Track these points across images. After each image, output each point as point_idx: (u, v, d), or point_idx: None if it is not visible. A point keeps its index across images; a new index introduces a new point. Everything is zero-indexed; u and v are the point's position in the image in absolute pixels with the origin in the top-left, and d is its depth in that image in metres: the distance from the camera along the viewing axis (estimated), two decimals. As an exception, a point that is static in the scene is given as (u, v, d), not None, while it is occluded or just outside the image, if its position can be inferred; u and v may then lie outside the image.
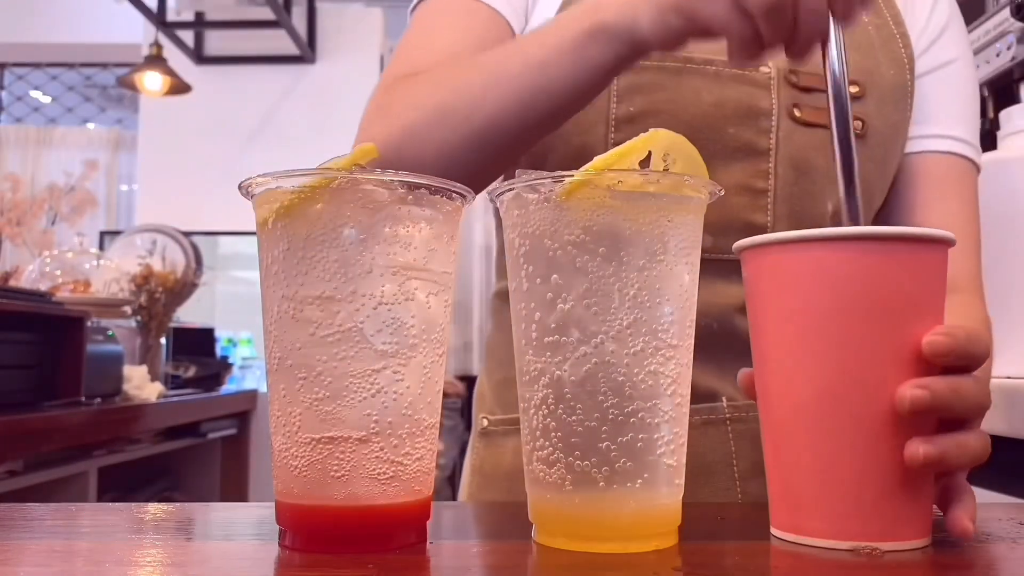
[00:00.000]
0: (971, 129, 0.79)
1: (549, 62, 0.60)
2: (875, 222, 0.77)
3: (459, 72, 0.66)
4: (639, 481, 0.41)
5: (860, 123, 0.73)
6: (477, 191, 0.68)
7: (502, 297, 0.81)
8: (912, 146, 0.78)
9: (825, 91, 0.72)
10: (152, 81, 3.54)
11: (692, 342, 0.44)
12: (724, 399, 0.71)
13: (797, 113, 0.71)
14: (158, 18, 3.78)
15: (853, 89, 0.73)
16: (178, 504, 0.55)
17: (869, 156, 0.74)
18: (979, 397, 0.42)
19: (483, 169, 0.65)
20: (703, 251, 0.47)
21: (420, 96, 0.66)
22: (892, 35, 0.76)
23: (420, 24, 0.75)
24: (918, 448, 0.40)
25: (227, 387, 3.13)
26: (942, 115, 0.78)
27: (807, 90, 0.72)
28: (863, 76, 0.74)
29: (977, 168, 0.79)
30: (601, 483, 0.41)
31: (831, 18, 0.53)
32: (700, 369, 0.71)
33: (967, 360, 0.41)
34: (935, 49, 0.79)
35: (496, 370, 0.80)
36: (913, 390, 0.40)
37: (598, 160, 0.44)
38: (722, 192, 0.44)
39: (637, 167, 0.44)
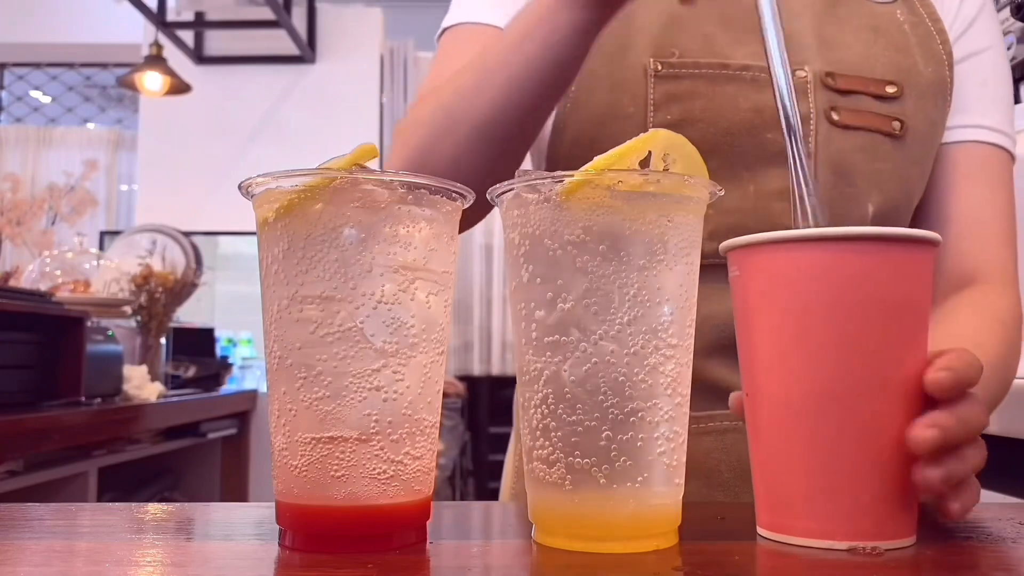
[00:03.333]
0: (1003, 117, 0.78)
1: (527, 35, 0.62)
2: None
3: (455, 79, 0.68)
4: (639, 480, 0.41)
5: (898, 123, 0.72)
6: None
7: None
8: (944, 137, 0.77)
9: (863, 93, 0.71)
10: (152, 81, 3.53)
11: (692, 342, 0.44)
12: None
13: (835, 116, 0.71)
14: (158, 18, 3.78)
15: (890, 90, 0.72)
16: (178, 504, 0.55)
17: (908, 156, 0.73)
18: (980, 418, 0.42)
19: (495, 169, 0.66)
20: None
21: (425, 112, 0.68)
22: (929, 32, 0.76)
23: (441, 54, 0.78)
24: (929, 474, 0.40)
25: (227, 387, 3.13)
26: (973, 104, 0.77)
27: (845, 92, 0.72)
28: (900, 76, 0.73)
29: (1011, 155, 0.78)
30: (601, 482, 0.41)
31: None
32: (739, 376, 0.72)
33: (968, 387, 0.42)
34: (966, 38, 0.78)
35: None
36: (926, 431, 0.40)
37: (598, 160, 0.44)
38: (722, 192, 0.44)
39: (637, 167, 0.44)
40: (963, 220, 0.76)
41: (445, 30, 0.79)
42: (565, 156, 0.73)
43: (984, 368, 0.43)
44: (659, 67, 0.70)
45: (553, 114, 0.73)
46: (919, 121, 0.74)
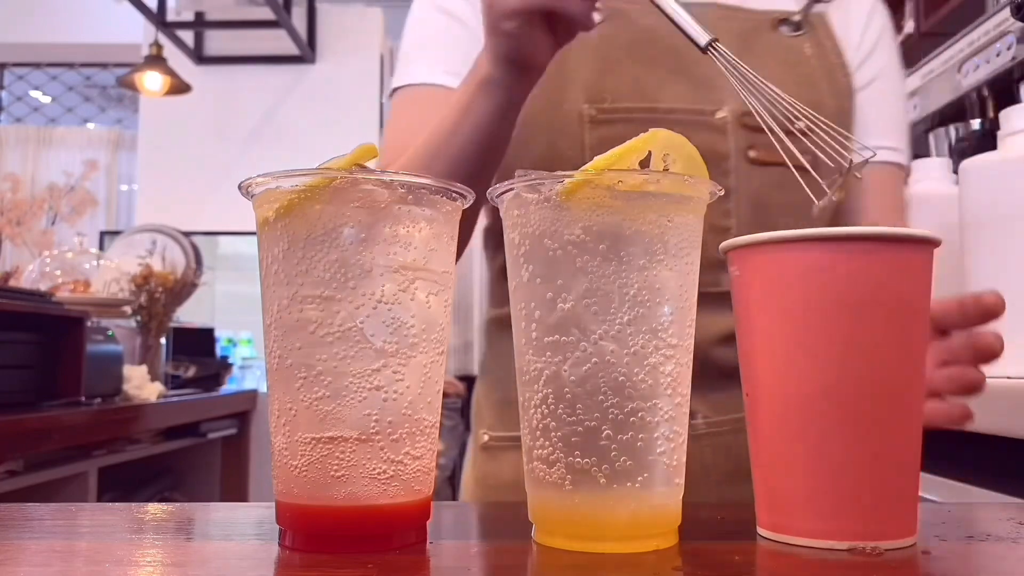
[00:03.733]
0: (900, 135, 0.85)
1: (457, 127, 0.68)
2: None
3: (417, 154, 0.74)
4: (639, 480, 0.41)
5: (810, 156, 0.75)
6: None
7: (497, 324, 0.87)
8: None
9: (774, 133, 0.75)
10: (152, 81, 3.53)
11: (692, 342, 0.44)
12: (701, 416, 0.77)
13: (752, 154, 0.75)
14: (158, 18, 3.78)
15: (801, 125, 0.75)
16: (178, 504, 0.55)
17: (817, 187, 0.77)
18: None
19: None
20: None
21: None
22: (833, 66, 0.80)
23: (394, 115, 0.85)
24: (981, 375, 0.54)
25: (227, 387, 3.13)
26: (877, 127, 0.83)
27: (760, 131, 0.74)
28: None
29: (906, 171, 0.86)
30: (601, 482, 0.41)
31: None
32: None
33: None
34: (867, 65, 0.83)
35: (494, 390, 0.85)
36: (997, 340, 0.52)
37: (598, 160, 0.44)
38: (721, 192, 0.44)
39: (637, 167, 0.44)
40: None
41: (395, 90, 0.84)
42: None
43: None
44: (593, 113, 0.74)
45: None
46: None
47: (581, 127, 0.74)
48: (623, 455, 0.41)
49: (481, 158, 0.69)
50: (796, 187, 0.76)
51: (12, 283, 2.86)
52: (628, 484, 0.41)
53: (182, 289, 2.65)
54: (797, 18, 0.78)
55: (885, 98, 0.84)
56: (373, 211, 0.41)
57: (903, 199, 0.86)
